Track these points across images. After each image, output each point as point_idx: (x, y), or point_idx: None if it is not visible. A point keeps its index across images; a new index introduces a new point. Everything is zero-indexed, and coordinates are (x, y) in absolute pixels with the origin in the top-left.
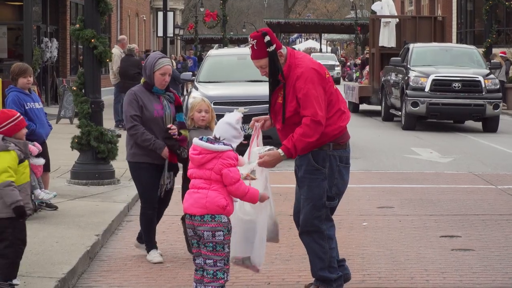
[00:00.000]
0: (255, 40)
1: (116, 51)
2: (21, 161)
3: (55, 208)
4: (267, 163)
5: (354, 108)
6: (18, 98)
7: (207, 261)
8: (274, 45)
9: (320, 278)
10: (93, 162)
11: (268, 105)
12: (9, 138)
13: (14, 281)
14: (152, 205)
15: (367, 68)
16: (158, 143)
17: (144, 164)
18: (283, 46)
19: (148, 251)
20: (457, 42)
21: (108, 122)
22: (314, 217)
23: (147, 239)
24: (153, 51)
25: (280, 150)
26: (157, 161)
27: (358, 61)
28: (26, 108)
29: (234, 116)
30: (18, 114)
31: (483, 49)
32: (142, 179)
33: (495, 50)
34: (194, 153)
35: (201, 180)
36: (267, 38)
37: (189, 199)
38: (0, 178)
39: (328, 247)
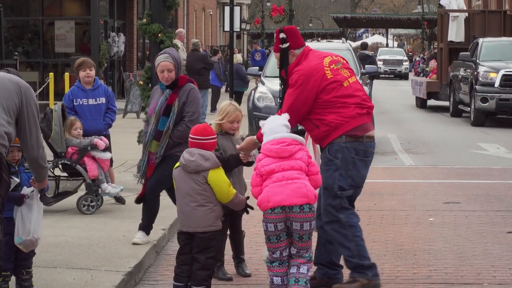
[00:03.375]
0: (275, 35)
1: (179, 44)
2: None
3: (123, 202)
4: (245, 150)
5: (422, 104)
6: (70, 94)
7: (301, 252)
8: (288, 44)
9: (352, 267)
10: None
11: None
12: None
13: None
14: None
15: (432, 63)
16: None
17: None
18: (303, 47)
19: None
20: None
21: None
22: (330, 207)
23: (147, 224)
24: (220, 46)
25: (254, 138)
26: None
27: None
28: (75, 104)
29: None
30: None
31: None
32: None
33: None
34: (284, 145)
35: (294, 171)
36: (282, 35)
37: (284, 190)
38: (231, 192)
39: (351, 235)
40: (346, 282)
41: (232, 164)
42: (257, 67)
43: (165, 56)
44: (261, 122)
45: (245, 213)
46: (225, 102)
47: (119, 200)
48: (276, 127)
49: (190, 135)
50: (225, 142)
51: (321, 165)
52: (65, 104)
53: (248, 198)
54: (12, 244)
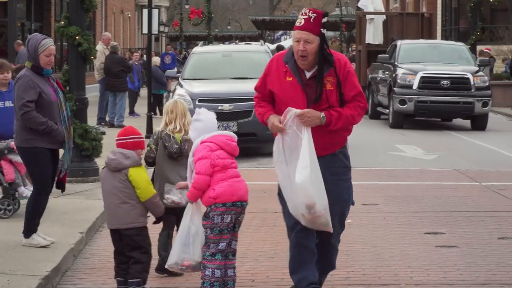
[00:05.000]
0: (315, 15)
1: (100, 47)
2: None
3: None
4: (308, 118)
5: None
6: None
7: (234, 242)
8: (326, 31)
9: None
10: (78, 160)
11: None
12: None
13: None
14: (47, 190)
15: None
16: (57, 131)
17: (42, 149)
18: None
19: (29, 237)
20: (442, 39)
21: (93, 119)
22: (344, 219)
23: (33, 224)
24: (138, 48)
25: (322, 113)
26: (54, 146)
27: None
28: None
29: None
30: (142, 135)
31: (468, 47)
32: (41, 164)
33: (479, 47)
34: (235, 143)
35: (236, 169)
36: (325, 20)
37: (242, 186)
38: (148, 190)
39: None
40: None
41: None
42: (175, 70)
43: (51, 40)
44: (199, 110)
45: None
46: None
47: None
48: (211, 122)
49: (116, 137)
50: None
51: (332, 176)
52: None
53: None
54: None
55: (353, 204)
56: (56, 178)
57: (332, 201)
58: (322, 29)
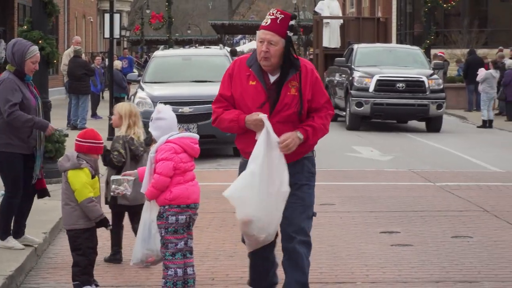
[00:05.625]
0: (282, 16)
1: (68, 51)
2: (92, 176)
3: None
4: (291, 145)
5: None
6: None
7: (190, 240)
8: (292, 34)
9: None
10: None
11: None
12: (83, 155)
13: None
14: (19, 194)
15: None
16: (41, 121)
17: (18, 155)
18: None
19: (4, 239)
20: (397, 43)
21: (56, 122)
22: (309, 226)
23: (7, 227)
24: (100, 52)
25: (298, 132)
26: (27, 151)
27: None
28: None
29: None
30: (102, 140)
31: (422, 50)
32: (16, 169)
33: (433, 51)
34: (197, 145)
35: (193, 171)
36: (293, 22)
37: (195, 191)
38: (82, 193)
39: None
40: None
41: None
42: (136, 73)
43: (37, 47)
44: (159, 107)
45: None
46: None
47: None
48: (174, 119)
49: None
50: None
51: (298, 181)
52: None
53: (103, 217)
54: None
55: (314, 215)
56: (32, 185)
57: (295, 204)
58: (288, 32)
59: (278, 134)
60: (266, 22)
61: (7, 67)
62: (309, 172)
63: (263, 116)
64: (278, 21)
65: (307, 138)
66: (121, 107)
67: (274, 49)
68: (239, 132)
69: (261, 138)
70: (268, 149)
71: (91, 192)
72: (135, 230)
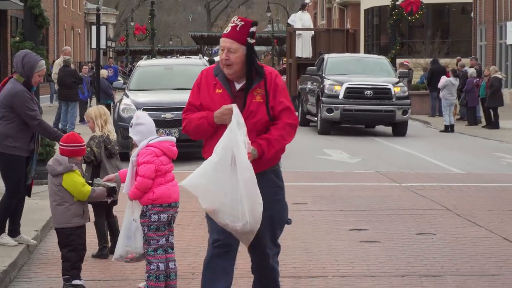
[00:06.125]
0: (242, 23)
1: (59, 61)
2: (83, 176)
3: None
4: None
5: None
6: None
7: (171, 236)
8: (254, 41)
9: None
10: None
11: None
12: (70, 158)
13: (77, 282)
14: (19, 195)
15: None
16: (58, 133)
17: (21, 157)
18: None
19: (2, 235)
20: (365, 53)
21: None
22: (277, 239)
23: (3, 225)
24: (88, 62)
25: (252, 147)
26: (28, 154)
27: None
28: None
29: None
30: (84, 143)
31: (388, 60)
32: (18, 171)
33: (398, 61)
34: (175, 147)
35: (172, 172)
36: (254, 29)
37: (176, 190)
38: (84, 191)
39: None
40: None
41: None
42: (121, 81)
43: (44, 62)
44: (138, 113)
45: (111, 198)
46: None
47: None
48: (153, 124)
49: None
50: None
51: (265, 196)
52: None
53: (108, 191)
54: None
55: (288, 223)
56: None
57: (263, 221)
58: (248, 39)
59: None
60: (227, 30)
61: (15, 77)
62: (276, 186)
63: (233, 105)
64: (238, 28)
65: (262, 153)
66: (91, 111)
67: (234, 56)
68: (208, 133)
69: (229, 126)
70: (232, 137)
71: (88, 186)
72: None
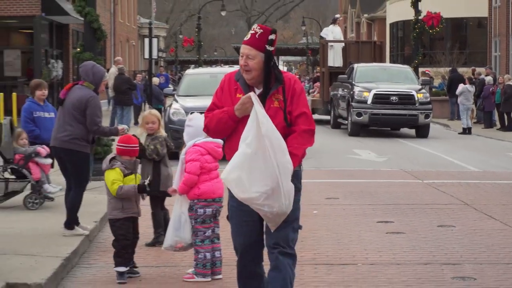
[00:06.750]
0: (262, 31)
1: (113, 70)
2: (126, 174)
3: (52, 199)
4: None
5: None
6: (29, 107)
7: (217, 228)
8: (273, 48)
9: None
10: (92, 161)
11: None
12: (118, 157)
13: (119, 269)
14: (85, 188)
15: (316, 85)
16: (113, 128)
17: (89, 155)
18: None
19: (73, 228)
20: (390, 63)
21: None
22: (294, 240)
23: (75, 217)
24: (141, 71)
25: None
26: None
27: (308, 78)
28: (34, 115)
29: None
30: (137, 144)
31: (412, 69)
32: (88, 167)
33: (421, 69)
34: (221, 149)
35: (217, 171)
36: (273, 37)
37: (220, 187)
38: (112, 188)
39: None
40: None
41: None
42: (171, 88)
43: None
44: (190, 116)
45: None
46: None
47: (48, 198)
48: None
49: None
50: (148, 141)
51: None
52: (25, 115)
53: (137, 188)
54: None
55: (300, 228)
56: None
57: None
58: (267, 46)
59: None
60: (247, 37)
61: (86, 85)
62: (295, 187)
63: (251, 93)
64: (257, 35)
65: (296, 163)
66: (156, 114)
67: (252, 63)
68: (229, 128)
69: (250, 118)
70: (257, 126)
71: (116, 184)
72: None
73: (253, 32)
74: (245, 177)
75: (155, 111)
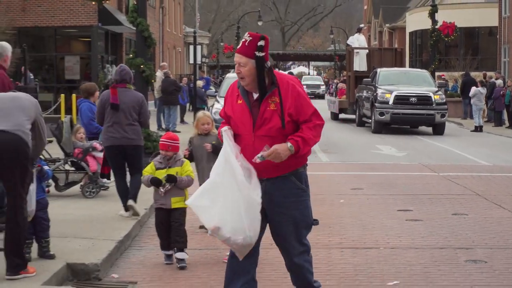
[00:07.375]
0: (251, 38)
1: (159, 74)
2: (158, 168)
3: (107, 188)
4: (277, 155)
5: (335, 117)
6: (90, 108)
7: None
8: (263, 54)
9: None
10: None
11: None
12: (163, 151)
13: (164, 252)
14: None
15: (340, 86)
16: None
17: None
18: (268, 62)
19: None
20: (409, 67)
21: (153, 126)
22: (305, 238)
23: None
24: (186, 74)
25: (289, 144)
26: None
27: (336, 81)
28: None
29: None
30: (177, 141)
31: (429, 73)
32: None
33: (437, 74)
34: None
35: None
36: (262, 43)
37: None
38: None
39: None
40: None
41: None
42: (213, 90)
43: None
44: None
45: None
46: (213, 108)
47: (103, 187)
48: None
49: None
50: (201, 141)
51: (284, 199)
52: (91, 115)
53: (150, 180)
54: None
55: (316, 224)
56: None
57: (286, 222)
58: (256, 52)
59: (260, 147)
60: (239, 46)
61: (127, 86)
62: (297, 188)
63: (224, 128)
64: (246, 43)
65: (298, 148)
66: (210, 115)
67: (244, 70)
68: None
69: (223, 149)
70: (227, 159)
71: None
72: None
73: (243, 40)
74: (211, 206)
75: (208, 113)
